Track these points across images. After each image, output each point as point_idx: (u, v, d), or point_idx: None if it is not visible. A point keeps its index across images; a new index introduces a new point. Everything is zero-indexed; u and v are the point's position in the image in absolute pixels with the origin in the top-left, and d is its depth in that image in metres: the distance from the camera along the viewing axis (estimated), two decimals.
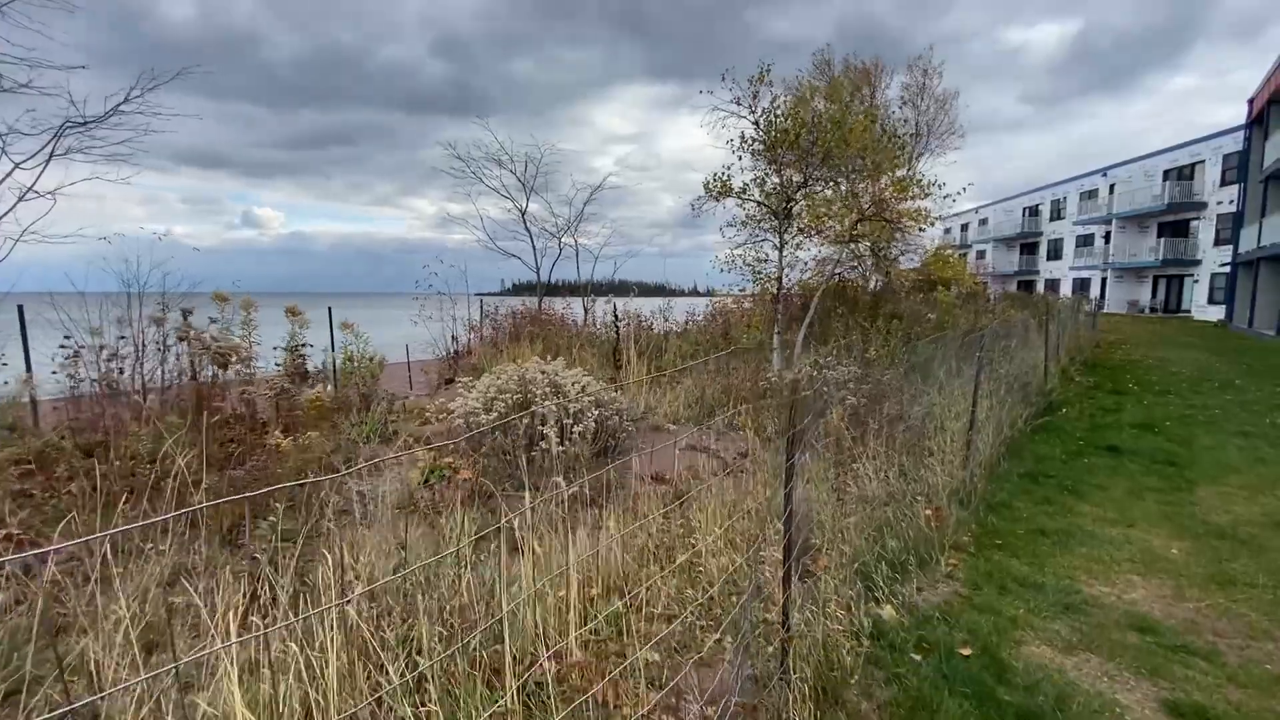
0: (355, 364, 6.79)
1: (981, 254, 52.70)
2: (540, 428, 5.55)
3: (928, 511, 4.40)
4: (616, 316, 9.71)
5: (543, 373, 6.33)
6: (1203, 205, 31.76)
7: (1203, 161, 32.05)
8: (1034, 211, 47.16)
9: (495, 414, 5.71)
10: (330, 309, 13.88)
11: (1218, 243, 30.59)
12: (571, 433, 5.59)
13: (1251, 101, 26.36)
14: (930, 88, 30.17)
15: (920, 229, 10.13)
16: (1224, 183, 30.51)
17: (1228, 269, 28.46)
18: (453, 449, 5.60)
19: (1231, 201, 29.08)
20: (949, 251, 29.58)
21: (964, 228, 57.23)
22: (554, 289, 15.67)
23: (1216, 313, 29.04)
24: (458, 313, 12.61)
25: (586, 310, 13.72)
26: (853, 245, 9.78)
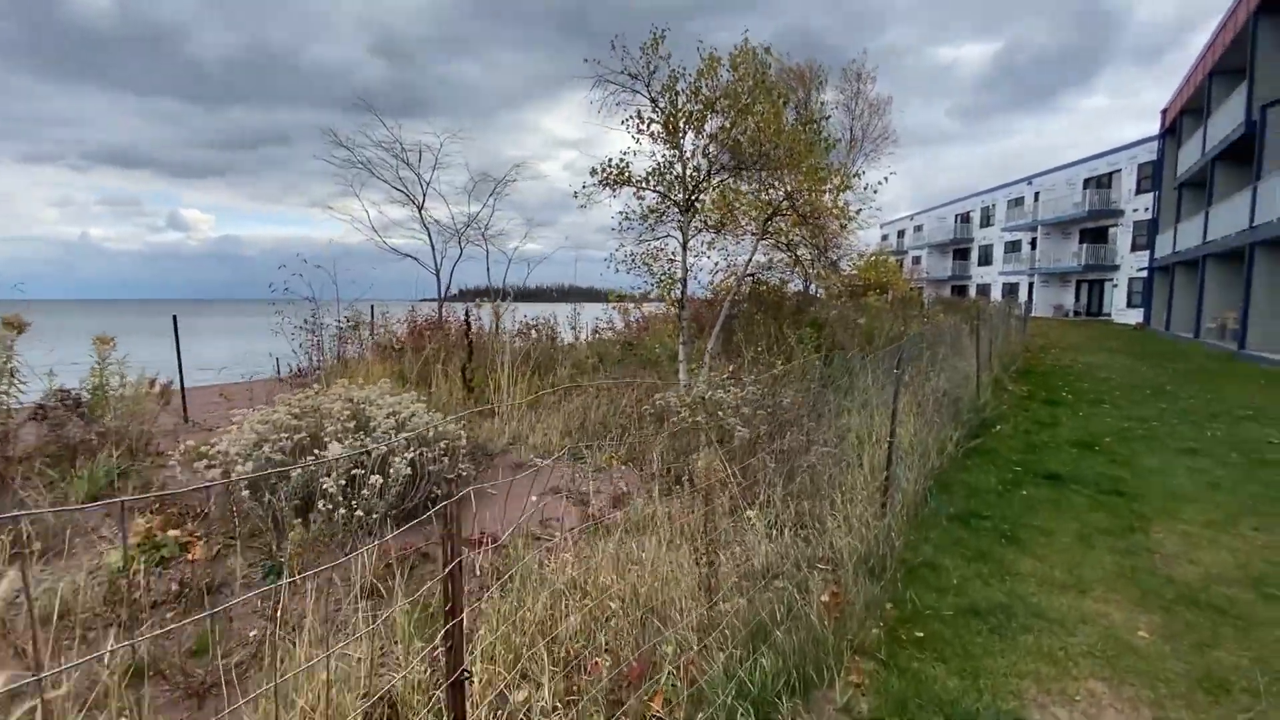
0: (104, 391, 5.12)
1: (917, 259, 53.68)
2: (322, 481, 4.06)
3: (824, 597, 3.16)
4: (468, 325, 8.20)
5: (348, 400, 4.83)
6: (1120, 212, 32.79)
7: (1119, 170, 33.14)
8: (965, 218, 48.29)
9: (259, 462, 4.17)
10: (175, 318, 11.78)
11: (1134, 248, 31.57)
12: (366, 484, 4.12)
13: (1165, 112, 27.19)
14: (864, 93, 30.03)
15: (842, 224, 9.16)
16: (1139, 190, 31.55)
17: (1144, 274, 29.30)
18: (194, 514, 4.04)
19: (1147, 209, 30.02)
20: (884, 256, 29.41)
21: (900, 234, 58.31)
22: (465, 295, 14.15)
23: (1135, 316, 29.85)
24: (328, 320, 10.91)
25: (499, 317, 12.25)
26: (769, 242, 8.70)
